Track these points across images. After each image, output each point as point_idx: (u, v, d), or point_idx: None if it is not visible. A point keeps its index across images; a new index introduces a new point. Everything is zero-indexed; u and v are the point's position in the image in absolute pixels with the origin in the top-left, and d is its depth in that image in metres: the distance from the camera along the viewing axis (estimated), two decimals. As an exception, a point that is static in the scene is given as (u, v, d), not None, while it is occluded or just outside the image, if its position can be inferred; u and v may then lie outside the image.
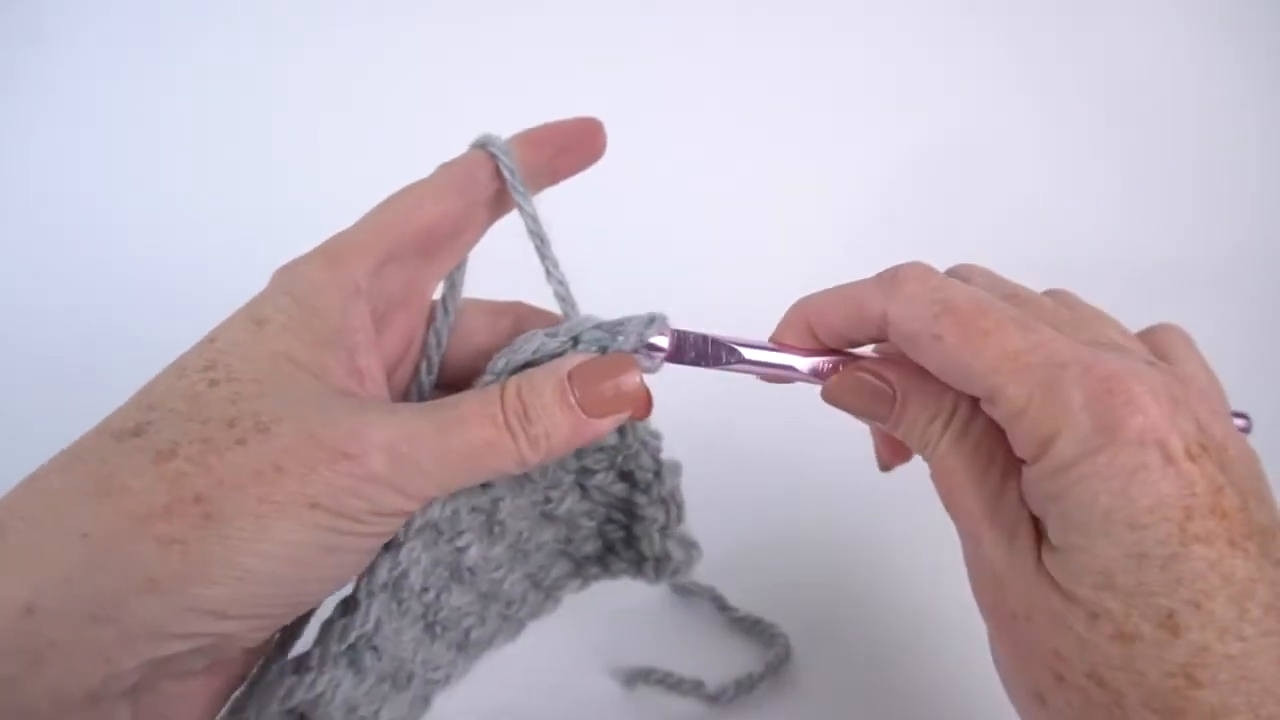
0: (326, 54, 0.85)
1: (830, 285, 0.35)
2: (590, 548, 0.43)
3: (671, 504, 0.41)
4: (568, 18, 0.87)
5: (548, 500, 0.40)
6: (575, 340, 0.34)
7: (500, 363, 0.33)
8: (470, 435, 0.30)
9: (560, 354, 0.34)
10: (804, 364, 0.35)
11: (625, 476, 0.40)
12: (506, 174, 0.36)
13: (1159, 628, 0.26)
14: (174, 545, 0.26)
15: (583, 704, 0.46)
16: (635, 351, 0.33)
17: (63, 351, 0.70)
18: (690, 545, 0.43)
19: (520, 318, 0.40)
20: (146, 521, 0.26)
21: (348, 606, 0.33)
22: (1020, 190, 0.84)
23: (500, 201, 0.37)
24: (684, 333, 0.34)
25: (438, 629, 0.38)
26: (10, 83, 0.81)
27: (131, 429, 0.28)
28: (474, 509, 0.37)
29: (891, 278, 0.32)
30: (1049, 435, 0.28)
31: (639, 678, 0.47)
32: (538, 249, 0.37)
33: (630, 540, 0.43)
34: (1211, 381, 0.34)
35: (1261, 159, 0.88)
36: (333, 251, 0.33)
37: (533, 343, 0.33)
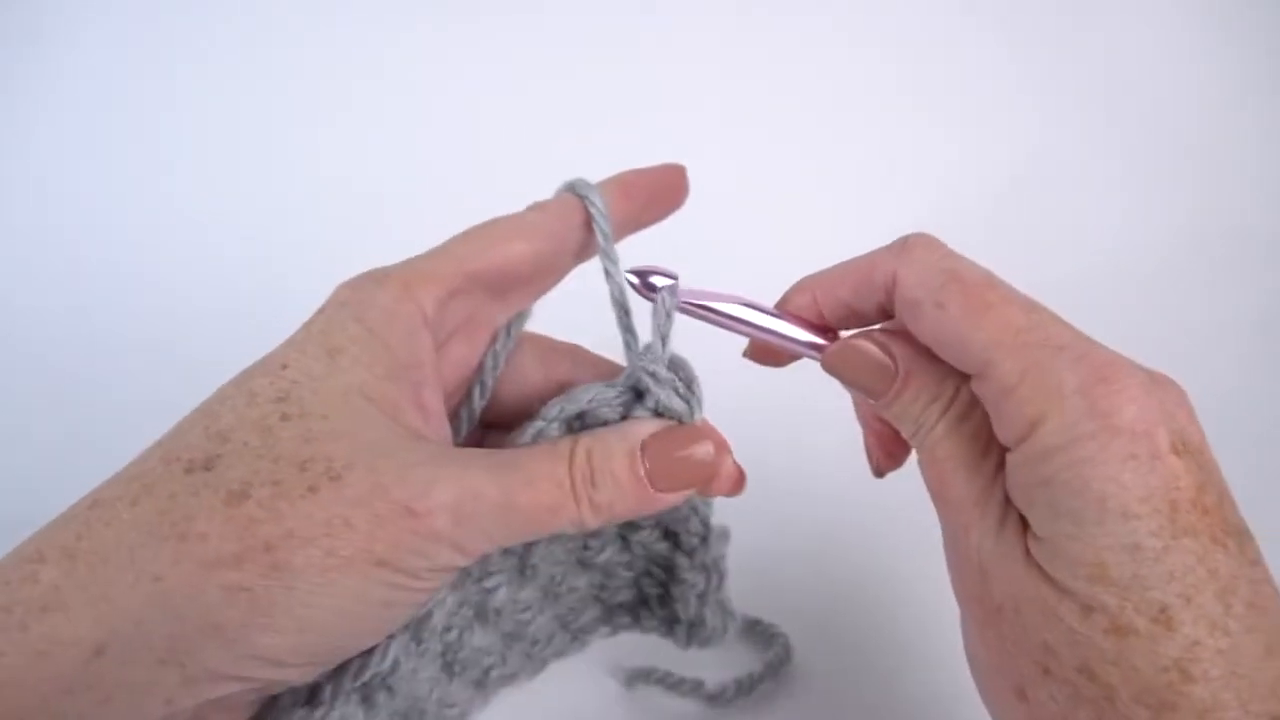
0: (327, 54, 0.85)
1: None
2: (624, 597, 0.42)
3: (713, 571, 0.39)
4: (569, 17, 0.87)
5: (586, 548, 0.39)
6: (635, 391, 0.33)
7: (554, 410, 0.33)
8: (534, 498, 0.30)
9: (618, 401, 0.33)
10: (802, 335, 0.34)
11: (669, 536, 0.39)
12: (600, 237, 0.34)
13: (1153, 622, 0.26)
14: (241, 593, 0.26)
15: (583, 704, 0.46)
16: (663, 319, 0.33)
17: (63, 352, 0.70)
18: (727, 615, 0.41)
19: (578, 362, 0.38)
20: (217, 568, 0.26)
21: None
22: (1019, 190, 0.84)
23: (584, 250, 0.36)
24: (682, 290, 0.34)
25: (456, 668, 0.37)
26: (10, 83, 0.81)
27: (202, 461, 0.28)
28: (506, 551, 0.36)
29: (902, 243, 0.32)
30: (1038, 416, 0.28)
31: (639, 678, 0.47)
32: (620, 321, 0.35)
33: (665, 599, 0.41)
34: (1183, 394, 0.34)
35: (1261, 159, 0.88)
36: (407, 278, 0.32)
37: (589, 392, 0.33)
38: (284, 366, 0.30)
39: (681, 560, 0.39)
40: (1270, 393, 0.71)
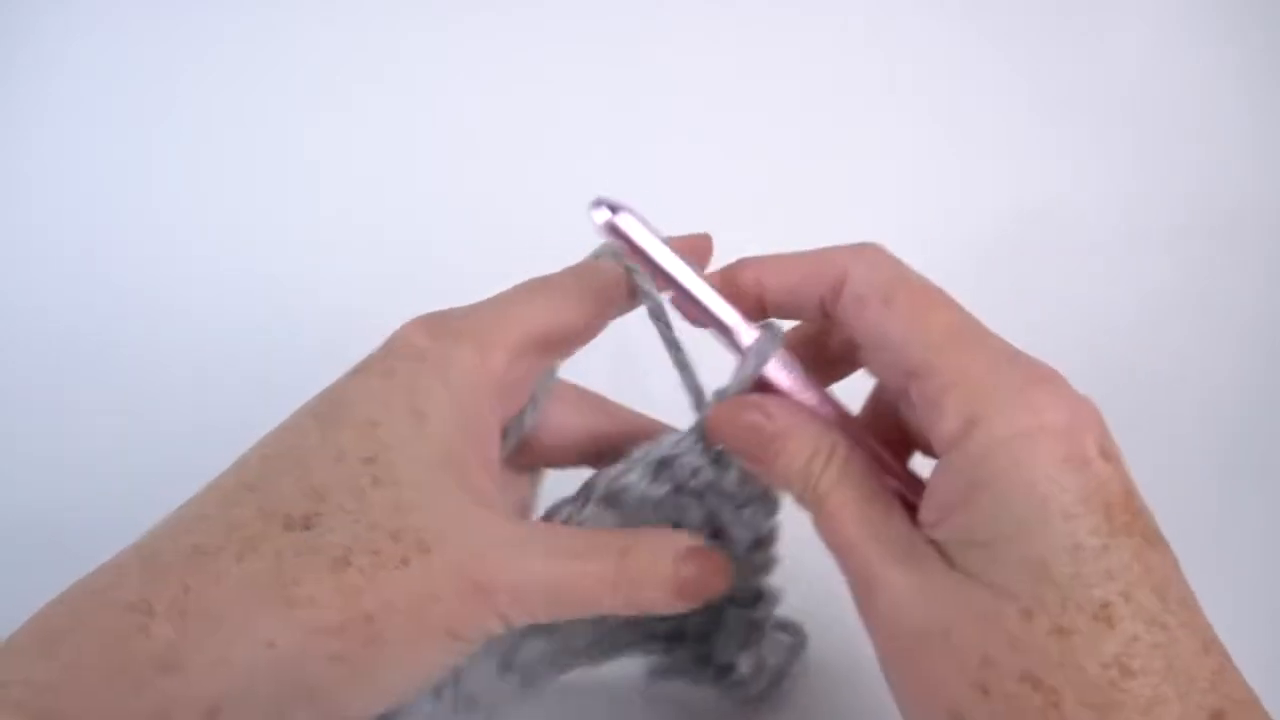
0: (328, 54, 0.85)
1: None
2: (663, 628, 0.42)
3: (754, 630, 0.40)
4: (569, 19, 0.87)
5: None
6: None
7: (640, 454, 0.35)
8: (579, 593, 0.32)
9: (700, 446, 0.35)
10: (726, 312, 0.35)
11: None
12: (645, 299, 0.36)
13: (1095, 619, 0.26)
14: (339, 662, 0.28)
15: (600, 685, 0.45)
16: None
17: (61, 355, 0.69)
18: (761, 667, 0.41)
19: (609, 414, 0.41)
20: (322, 635, 0.27)
21: None
22: (1022, 193, 0.84)
23: (620, 312, 0.38)
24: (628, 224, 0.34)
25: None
26: (9, 84, 0.80)
27: (300, 519, 0.29)
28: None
29: (858, 246, 0.33)
30: (977, 414, 0.28)
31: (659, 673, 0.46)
32: (677, 362, 0.37)
33: (703, 637, 0.42)
34: (1099, 411, 0.33)
35: (1258, 161, 0.88)
36: (482, 338, 0.33)
37: (672, 438, 0.35)
38: (373, 425, 0.31)
39: (730, 612, 0.39)
40: (1268, 398, 0.71)
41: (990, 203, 0.83)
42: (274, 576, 0.28)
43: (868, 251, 0.33)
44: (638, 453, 0.35)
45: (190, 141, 0.81)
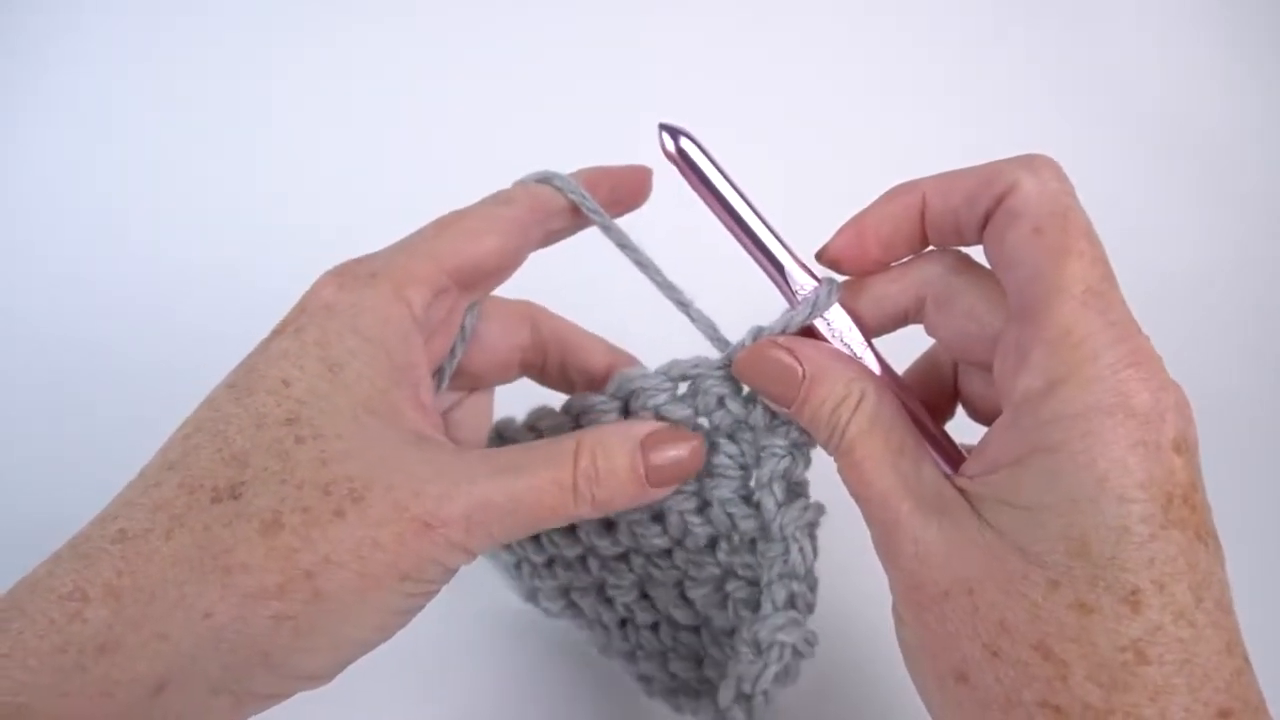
0: (324, 50, 0.85)
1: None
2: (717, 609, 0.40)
3: (763, 654, 0.35)
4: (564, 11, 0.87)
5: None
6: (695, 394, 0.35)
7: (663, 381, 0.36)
8: (537, 500, 0.31)
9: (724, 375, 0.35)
10: (795, 271, 0.34)
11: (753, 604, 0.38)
12: (592, 215, 0.36)
13: (1121, 603, 0.26)
14: (286, 621, 0.28)
15: (600, 680, 0.47)
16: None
17: (60, 356, 0.69)
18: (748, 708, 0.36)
19: (536, 325, 0.40)
20: (262, 599, 0.27)
21: None
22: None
23: (545, 241, 0.38)
24: (697, 155, 0.34)
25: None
26: (10, 82, 0.80)
27: (227, 489, 0.29)
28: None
29: (1029, 158, 0.31)
30: (1062, 378, 0.28)
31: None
32: (656, 281, 0.37)
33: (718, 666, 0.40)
34: (1188, 401, 0.32)
35: (1261, 164, 0.88)
36: (395, 278, 0.33)
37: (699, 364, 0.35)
38: (286, 384, 0.31)
39: (744, 629, 0.37)
40: (1267, 400, 0.71)
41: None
42: (205, 549, 0.27)
43: (1039, 164, 0.30)
44: (657, 368, 0.36)
45: (188, 144, 0.81)
